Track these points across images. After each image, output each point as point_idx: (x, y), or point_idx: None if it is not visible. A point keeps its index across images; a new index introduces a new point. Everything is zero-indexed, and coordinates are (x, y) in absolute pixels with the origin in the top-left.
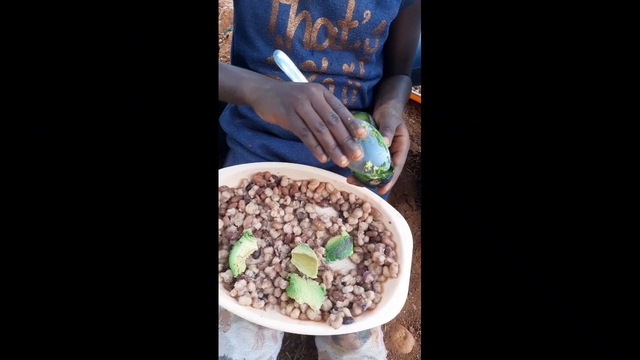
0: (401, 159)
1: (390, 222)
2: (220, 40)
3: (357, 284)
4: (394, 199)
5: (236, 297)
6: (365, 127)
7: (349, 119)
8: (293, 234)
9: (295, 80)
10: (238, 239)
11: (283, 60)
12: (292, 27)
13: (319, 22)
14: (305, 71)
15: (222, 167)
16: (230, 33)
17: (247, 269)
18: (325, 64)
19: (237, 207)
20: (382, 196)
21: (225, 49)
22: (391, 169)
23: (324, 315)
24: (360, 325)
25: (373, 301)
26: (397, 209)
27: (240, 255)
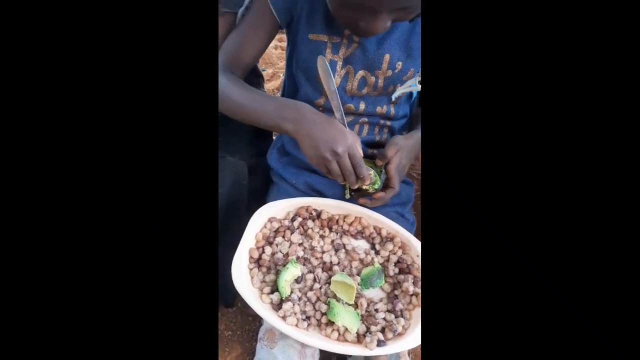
0: (394, 171)
1: (418, 256)
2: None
3: (389, 311)
4: None
5: (283, 317)
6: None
7: (361, 176)
8: (331, 262)
9: (331, 86)
10: (284, 265)
11: (323, 66)
12: (337, 78)
13: (360, 73)
14: (345, 113)
15: (267, 198)
16: (268, 72)
17: (291, 292)
18: (362, 106)
19: (283, 236)
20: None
21: (267, 86)
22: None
23: (359, 338)
24: (392, 348)
25: (403, 327)
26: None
27: (287, 279)
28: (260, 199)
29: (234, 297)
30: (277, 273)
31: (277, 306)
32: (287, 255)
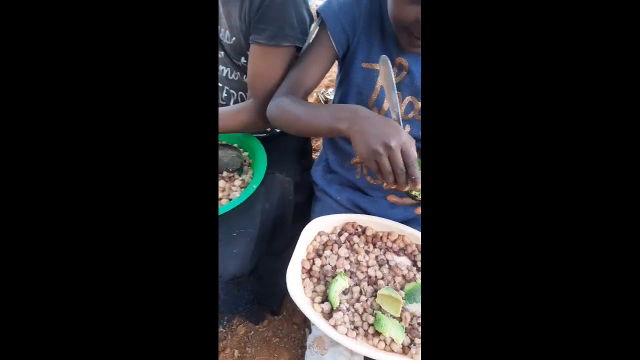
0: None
1: None
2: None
3: None
4: None
5: (334, 326)
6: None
7: (413, 177)
8: (376, 277)
9: (390, 84)
10: (333, 277)
11: (385, 64)
12: (387, 103)
13: (408, 99)
14: None
15: (312, 212)
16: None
17: (340, 303)
18: (407, 129)
19: (331, 250)
20: None
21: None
22: None
23: (404, 349)
24: None
25: None
26: None
27: (336, 290)
28: (304, 213)
29: (279, 305)
30: (327, 284)
31: (328, 315)
32: (335, 267)
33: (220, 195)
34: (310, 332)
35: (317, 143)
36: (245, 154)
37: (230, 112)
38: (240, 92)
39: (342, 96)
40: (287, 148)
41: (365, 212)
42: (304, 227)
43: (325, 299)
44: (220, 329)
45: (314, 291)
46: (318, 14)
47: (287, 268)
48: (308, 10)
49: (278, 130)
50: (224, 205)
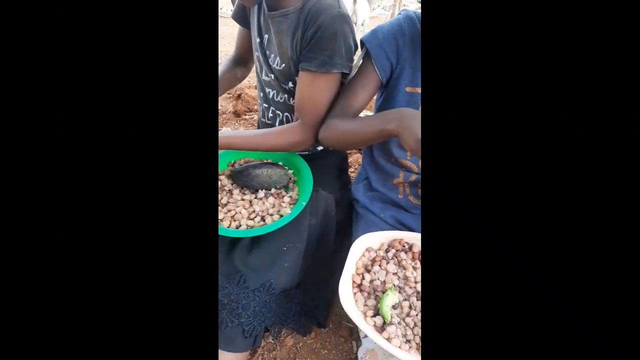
0: None
1: None
2: None
3: None
4: None
5: (388, 339)
6: None
7: None
8: None
9: None
10: (383, 292)
11: None
12: None
13: None
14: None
15: (355, 229)
16: None
17: (392, 317)
18: None
19: (380, 265)
20: None
21: None
22: None
23: None
24: None
25: None
26: None
27: (387, 304)
28: (344, 228)
29: (325, 318)
30: (377, 298)
31: (381, 328)
32: (384, 282)
33: (271, 211)
34: (359, 344)
35: (350, 159)
36: (290, 172)
37: (279, 132)
38: (285, 113)
39: None
40: (327, 166)
41: (409, 229)
42: (344, 241)
43: (377, 312)
44: (270, 340)
45: (366, 305)
46: (363, 43)
47: (330, 281)
48: (354, 39)
49: (319, 149)
50: (276, 220)
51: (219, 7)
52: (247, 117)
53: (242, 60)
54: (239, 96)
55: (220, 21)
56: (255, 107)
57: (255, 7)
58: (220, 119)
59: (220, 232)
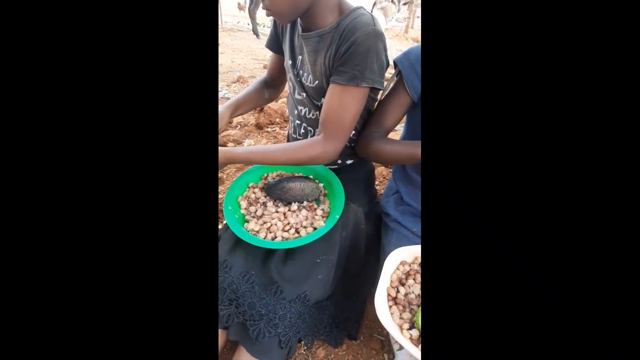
0: None
1: None
2: None
3: None
4: None
5: None
6: None
7: None
8: None
9: None
10: (418, 305)
11: None
12: None
13: None
14: None
15: (387, 243)
16: None
17: None
18: None
19: (414, 279)
20: None
21: None
22: None
23: None
24: None
25: None
26: None
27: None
28: (373, 241)
29: (356, 331)
30: (412, 311)
31: (417, 341)
32: (418, 296)
33: (304, 223)
34: (391, 357)
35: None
36: (321, 185)
37: (298, 146)
38: (317, 130)
39: (412, 134)
40: (355, 179)
41: None
42: (372, 254)
43: (412, 325)
44: (302, 351)
45: (401, 318)
46: (395, 64)
47: (360, 294)
48: (386, 57)
49: (348, 162)
50: (311, 233)
51: (224, 21)
52: (269, 129)
53: (272, 82)
54: (261, 109)
55: (223, 33)
56: (277, 119)
57: (288, 30)
58: (242, 132)
59: (258, 244)
